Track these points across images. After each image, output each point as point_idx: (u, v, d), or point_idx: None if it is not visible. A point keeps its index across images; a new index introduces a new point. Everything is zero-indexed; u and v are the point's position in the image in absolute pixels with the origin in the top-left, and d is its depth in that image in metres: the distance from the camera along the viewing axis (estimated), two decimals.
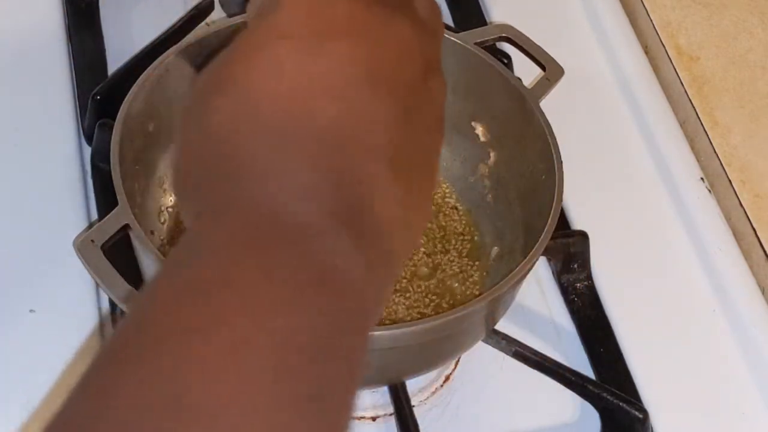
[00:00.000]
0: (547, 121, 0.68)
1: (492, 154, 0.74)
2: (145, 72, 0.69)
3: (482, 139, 0.74)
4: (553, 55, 0.74)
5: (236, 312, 0.35)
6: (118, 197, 0.62)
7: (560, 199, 0.65)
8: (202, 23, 0.85)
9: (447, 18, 0.89)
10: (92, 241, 0.60)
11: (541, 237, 0.62)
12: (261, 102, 0.40)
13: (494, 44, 0.77)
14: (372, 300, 0.39)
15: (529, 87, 0.72)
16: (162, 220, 0.72)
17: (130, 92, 0.68)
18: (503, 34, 0.75)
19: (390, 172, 0.41)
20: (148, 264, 0.63)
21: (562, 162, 0.66)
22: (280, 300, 0.36)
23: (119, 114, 0.67)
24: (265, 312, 0.35)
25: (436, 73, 0.45)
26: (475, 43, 0.73)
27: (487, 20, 0.89)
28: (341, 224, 0.38)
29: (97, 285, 0.67)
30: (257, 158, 0.40)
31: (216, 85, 0.42)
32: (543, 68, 0.73)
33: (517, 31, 0.75)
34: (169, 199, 0.73)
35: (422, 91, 0.43)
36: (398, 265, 0.43)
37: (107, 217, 0.61)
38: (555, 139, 0.67)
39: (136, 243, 0.63)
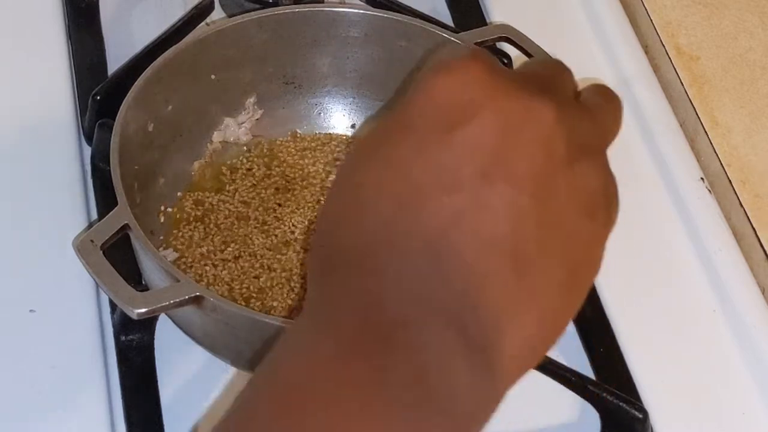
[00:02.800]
0: None
1: None
2: (145, 72, 0.69)
3: None
4: (553, 55, 0.74)
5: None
6: (117, 197, 0.62)
7: None
8: (202, 23, 0.85)
9: (447, 18, 0.89)
10: (92, 241, 0.60)
11: None
12: (368, 198, 0.40)
13: (494, 44, 0.77)
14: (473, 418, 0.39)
15: None
16: (162, 220, 0.72)
17: (130, 92, 0.68)
18: (503, 35, 0.75)
19: (508, 263, 0.39)
20: (148, 264, 0.63)
21: None
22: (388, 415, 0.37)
23: (119, 114, 0.67)
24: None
25: (591, 158, 0.43)
26: (475, 44, 0.73)
27: (487, 20, 0.89)
28: (448, 322, 0.38)
29: (97, 285, 0.67)
30: (374, 254, 0.40)
31: (344, 174, 0.43)
32: None
33: (517, 31, 0.75)
34: (169, 199, 0.73)
35: (562, 179, 0.41)
36: (509, 377, 0.41)
37: (107, 217, 0.61)
38: None
39: (135, 243, 0.63)
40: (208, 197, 0.74)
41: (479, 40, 0.74)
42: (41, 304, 0.70)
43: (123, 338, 0.68)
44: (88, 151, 0.78)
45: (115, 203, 0.62)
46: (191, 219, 0.73)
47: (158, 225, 0.72)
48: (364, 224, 0.40)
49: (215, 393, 0.68)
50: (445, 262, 0.39)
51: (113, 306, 0.70)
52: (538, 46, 0.75)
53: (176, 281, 0.59)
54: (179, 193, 0.73)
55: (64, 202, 0.75)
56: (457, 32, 0.75)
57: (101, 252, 0.60)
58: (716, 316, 0.75)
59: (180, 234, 0.72)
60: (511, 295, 0.39)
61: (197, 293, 0.58)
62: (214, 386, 0.69)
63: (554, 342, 0.42)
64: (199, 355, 0.68)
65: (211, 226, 0.72)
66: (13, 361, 0.67)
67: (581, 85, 0.47)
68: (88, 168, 0.77)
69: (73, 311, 0.69)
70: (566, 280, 0.41)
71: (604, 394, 0.68)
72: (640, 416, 0.67)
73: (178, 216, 0.73)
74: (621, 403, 0.68)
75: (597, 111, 0.44)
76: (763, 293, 0.76)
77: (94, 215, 0.74)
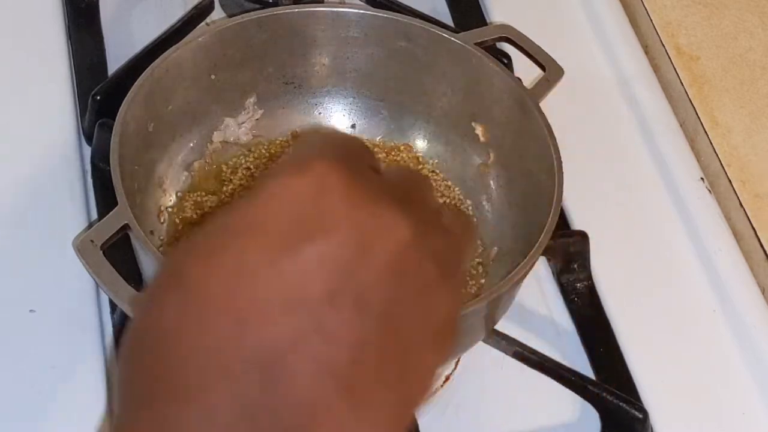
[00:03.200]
0: (547, 121, 0.68)
1: (492, 154, 0.74)
2: (145, 72, 0.69)
3: (482, 139, 0.74)
4: (553, 56, 0.74)
5: None
6: (117, 197, 0.62)
7: (560, 199, 0.65)
8: (202, 23, 0.85)
9: (447, 18, 0.89)
10: (92, 241, 0.60)
11: (541, 237, 0.62)
12: (209, 309, 0.36)
13: (494, 44, 0.77)
14: None
15: (529, 87, 0.72)
16: (162, 220, 0.72)
17: (130, 92, 0.68)
18: (503, 35, 0.75)
19: (344, 395, 0.36)
20: (148, 264, 0.63)
21: (562, 162, 0.66)
22: None
23: (119, 114, 0.67)
24: None
25: (445, 283, 0.39)
26: (475, 44, 0.73)
27: (487, 20, 0.89)
28: None
29: (97, 285, 0.67)
30: (190, 377, 0.35)
31: (172, 278, 0.37)
32: (543, 68, 0.73)
33: (517, 31, 0.75)
34: (169, 199, 0.73)
35: (413, 306, 0.38)
36: None
37: (107, 217, 0.61)
38: (555, 139, 0.67)
39: (135, 243, 0.63)
40: (208, 197, 0.74)
41: (479, 40, 0.74)
42: (41, 304, 0.70)
43: (123, 338, 0.68)
44: (88, 151, 0.78)
45: (115, 203, 0.62)
46: (191, 219, 0.73)
47: (158, 225, 0.72)
48: (191, 343, 0.36)
49: None
50: (276, 392, 0.35)
51: (113, 306, 0.70)
52: (538, 47, 0.75)
53: None
54: (179, 194, 0.73)
55: (64, 202, 0.75)
56: (457, 32, 0.75)
57: (101, 252, 0.60)
58: (716, 316, 0.75)
59: (180, 234, 0.72)
60: (341, 428, 0.36)
61: None
62: None
63: None
64: None
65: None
66: (13, 361, 0.67)
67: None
68: (88, 168, 0.77)
69: (73, 311, 0.69)
70: (399, 411, 0.38)
71: (604, 394, 0.68)
72: (640, 416, 0.67)
73: (178, 216, 0.73)
74: (621, 403, 0.68)
75: (454, 230, 0.42)
76: (763, 293, 0.76)
77: (94, 215, 0.75)
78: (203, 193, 0.74)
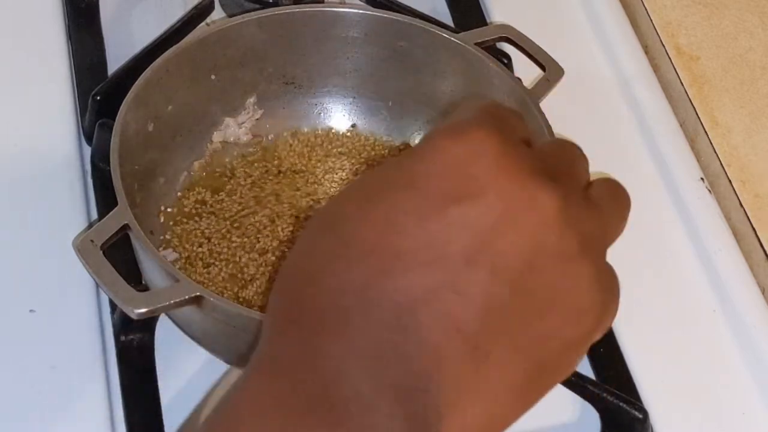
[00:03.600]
0: (547, 121, 0.68)
1: None
2: (145, 72, 0.69)
3: None
4: (553, 56, 0.74)
5: None
6: (117, 197, 0.62)
7: None
8: (202, 23, 0.85)
9: (447, 18, 0.89)
10: (92, 241, 0.60)
11: None
12: (356, 255, 0.39)
13: (494, 44, 0.77)
14: None
15: (529, 87, 0.72)
16: (162, 220, 0.72)
17: (130, 92, 0.68)
18: (503, 35, 0.75)
19: (470, 352, 0.38)
20: (148, 264, 0.63)
21: None
22: None
23: (119, 114, 0.67)
24: None
25: (588, 259, 0.41)
26: (475, 44, 0.73)
27: (487, 20, 0.89)
28: (398, 402, 0.37)
29: (97, 285, 0.67)
30: (333, 312, 0.39)
31: (328, 221, 0.41)
32: (543, 68, 0.73)
33: (517, 31, 0.75)
34: (169, 199, 0.73)
35: (551, 277, 0.40)
36: None
37: (107, 217, 0.61)
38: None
39: (135, 243, 0.63)
40: (208, 197, 0.74)
41: (479, 40, 0.74)
42: (41, 304, 0.70)
43: (123, 338, 0.68)
44: (88, 151, 0.78)
45: (115, 203, 0.62)
46: (191, 219, 0.73)
47: (158, 225, 0.72)
48: (337, 283, 0.39)
49: (215, 393, 0.68)
50: (408, 338, 0.38)
51: (113, 306, 0.70)
52: (538, 47, 0.75)
53: (176, 281, 0.59)
54: (179, 193, 0.73)
55: (64, 202, 0.75)
56: (457, 32, 0.75)
57: (101, 252, 0.60)
58: (716, 316, 0.75)
59: (180, 234, 0.72)
60: (464, 384, 0.38)
61: (197, 293, 0.58)
62: (214, 386, 0.69)
63: None
64: (199, 355, 0.68)
65: (211, 226, 0.72)
66: (13, 361, 0.67)
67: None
68: (88, 168, 0.77)
69: (73, 311, 0.69)
70: (525, 381, 0.40)
71: (604, 394, 0.68)
72: (640, 416, 0.67)
73: (178, 216, 0.73)
74: (621, 403, 0.68)
75: (604, 207, 0.44)
76: (763, 293, 0.76)
77: (94, 215, 0.74)
78: (203, 193, 0.74)
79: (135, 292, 0.58)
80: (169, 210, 0.73)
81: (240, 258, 0.71)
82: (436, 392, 0.38)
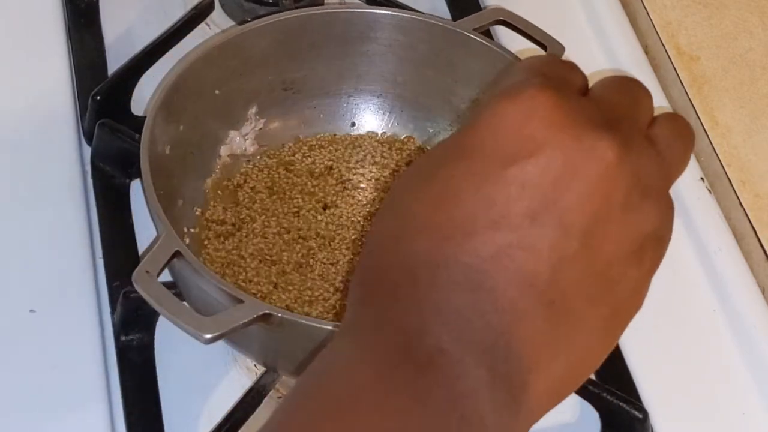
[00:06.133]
0: None
1: None
2: (156, 97, 0.67)
3: None
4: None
5: None
6: (159, 225, 0.61)
7: None
8: (202, 23, 0.85)
9: (443, 7, 0.89)
10: (147, 272, 0.58)
11: None
12: (413, 228, 0.40)
13: (490, 29, 0.77)
14: None
15: None
16: (188, 242, 0.69)
17: (147, 119, 0.65)
18: (499, 17, 0.75)
19: (545, 306, 0.39)
20: (202, 287, 0.61)
21: None
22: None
23: (142, 144, 0.64)
24: None
25: (649, 202, 0.42)
26: (474, 29, 0.73)
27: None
28: (481, 357, 0.38)
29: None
30: (401, 279, 0.40)
31: (390, 201, 0.43)
32: (544, 47, 0.73)
33: (512, 13, 0.74)
34: (189, 219, 0.71)
35: (615, 226, 0.40)
36: (531, 414, 0.41)
37: (156, 246, 0.59)
38: None
39: (183, 269, 0.61)
40: (225, 212, 0.73)
41: (477, 26, 0.73)
42: (41, 304, 0.70)
43: (123, 338, 0.68)
44: (88, 151, 0.78)
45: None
46: (215, 236, 0.71)
47: (183, 245, 0.70)
48: (410, 250, 0.40)
49: (215, 393, 0.68)
50: (483, 296, 0.39)
51: (113, 306, 0.70)
52: (535, 26, 0.74)
53: (238, 301, 0.58)
54: (197, 212, 0.72)
55: (64, 202, 0.75)
56: (452, 21, 0.75)
57: (158, 282, 0.58)
58: (716, 316, 0.75)
59: (208, 252, 0.71)
60: (543, 338, 0.39)
61: (265, 311, 0.57)
62: (215, 386, 0.69)
63: (579, 384, 0.43)
64: (199, 355, 0.68)
65: (236, 240, 0.71)
66: (13, 361, 0.67)
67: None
68: (88, 168, 0.77)
69: (73, 311, 0.69)
70: (602, 325, 0.41)
71: (604, 394, 0.68)
72: (640, 416, 0.67)
73: (201, 236, 0.71)
74: (621, 403, 0.68)
75: (665, 147, 0.43)
76: (763, 293, 0.76)
77: (94, 215, 0.74)
78: (220, 209, 0.73)
79: (202, 317, 0.56)
80: (192, 231, 0.71)
81: (274, 266, 0.70)
82: (516, 349, 0.39)
